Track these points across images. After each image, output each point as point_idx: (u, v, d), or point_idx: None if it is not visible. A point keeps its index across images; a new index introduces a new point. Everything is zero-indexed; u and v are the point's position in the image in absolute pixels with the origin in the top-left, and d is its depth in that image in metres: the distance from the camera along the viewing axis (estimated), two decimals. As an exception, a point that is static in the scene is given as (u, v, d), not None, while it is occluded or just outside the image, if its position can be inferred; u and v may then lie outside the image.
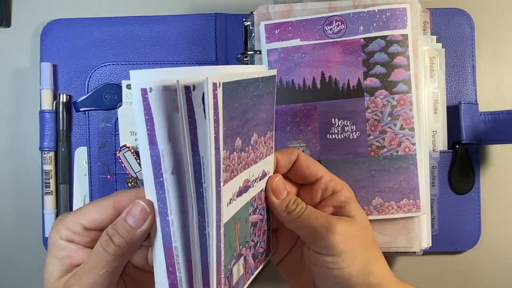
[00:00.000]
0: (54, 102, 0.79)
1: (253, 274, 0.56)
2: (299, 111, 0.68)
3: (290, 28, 0.67)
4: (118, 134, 0.78)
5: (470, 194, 0.78)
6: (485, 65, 0.80)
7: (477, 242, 0.79)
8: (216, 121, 0.41)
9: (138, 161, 0.77)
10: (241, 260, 0.52)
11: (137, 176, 0.77)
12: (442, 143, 0.75)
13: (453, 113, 0.76)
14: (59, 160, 0.79)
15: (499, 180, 0.80)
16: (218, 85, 0.40)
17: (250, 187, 0.51)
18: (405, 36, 0.64)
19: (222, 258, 0.46)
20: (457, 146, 0.77)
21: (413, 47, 0.65)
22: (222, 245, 0.46)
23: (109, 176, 0.78)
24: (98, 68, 0.79)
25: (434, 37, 0.76)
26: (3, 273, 0.83)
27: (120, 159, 0.77)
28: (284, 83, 0.66)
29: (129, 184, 0.77)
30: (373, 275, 0.54)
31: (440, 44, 0.77)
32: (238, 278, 0.51)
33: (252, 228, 0.54)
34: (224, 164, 0.43)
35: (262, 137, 0.52)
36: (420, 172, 0.66)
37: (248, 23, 0.73)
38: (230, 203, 0.46)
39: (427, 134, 0.72)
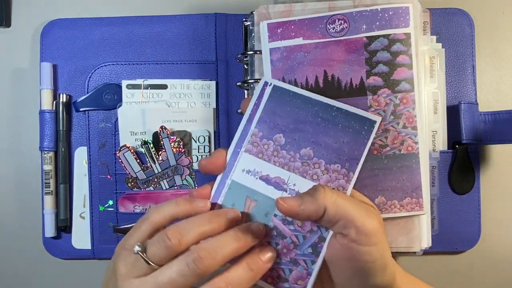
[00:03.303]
0: (54, 102, 0.79)
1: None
2: (302, 110, 0.68)
3: (292, 27, 0.67)
4: (118, 134, 0.78)
5: (470, 194, 0.79)
6: (485, 65, 0.81)
7: (477, 242, 0.79)
8: (257, 105, 0.60)
9: (138, 161, 0.77)
10: None
11: (137, 176, 0.77)
12: (442, 143, 0.75)
13: (453, 113, 0.76)
14: (59, 160, 0.79)
15: (499, 180, 0.81)
16: (268, 83, 0.60)
17: (284, 189, 0.58)
18: (408, 35, 0.64)
19: (221, 199, 0.59)
20: (457, 146, 0.77)
21: (415, 46, 0.66)
22: (224, 191, 0.59)
23: (109, 176, 0.78)
24: (98, 68, 0.79)
25: (434, 37, 0.77)
26: (3, 273, 0.83)
27: (120, 159, 0.77)
28: (286, 82, 0.66)
29: (129, 184, 0.77)
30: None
31: (440, 44, 0.77)
32: None
33: (275, 233, 0.58)
34: (251, 137, 0.59)
35: (323, 161, 0.58)
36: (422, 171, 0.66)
37: (248, 23, 0.73)
38: (247, 173, 0.59)
39: (427, 134, 0.72)
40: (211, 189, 0.60)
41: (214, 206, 0.59)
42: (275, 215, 0.57)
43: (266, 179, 0.58)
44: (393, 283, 0.57)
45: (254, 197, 0.58)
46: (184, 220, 0.55)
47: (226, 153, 0.60)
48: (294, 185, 0.58)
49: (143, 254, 0.52)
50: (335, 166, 0.57)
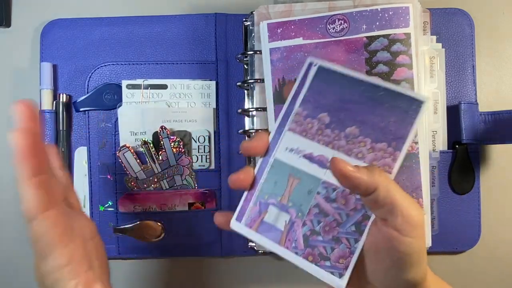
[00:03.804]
0: (54, 102, 0.79)
1: (295, 251, 0.57)
2: (302, 110, 0.68)
3: (292, 27, 0.67)
4: (118, 134, 0.78)
5: (470, 194, 0.78)
6: (485, 65, 0.81)
7: (477, 242, 0.79)
8: (301, 84, 0.58)
9: (138, 161, 0.77)
10: (285, 216, 0.57)
11: (137, 176, 0.77)
12: (442, 143, 0.75)
13: (453, 113, 0.76)
14: (59, 160, 0.79)
15: (499, 180, 0.81)
16: (314, 63, 0.58)
17: (327, 167, 0.56)
18: (408, 35, 0.64)
19: (264, 177, 0.59)
20: (457, 146, 0.77)
21: (415, 46, 0.66)
22: (267, 169, 0.59)
23: (109, 176, 0.78)
24: (98, 68, 0.79)
25: (434, 37, 0.77)
26: (3, 274, 0.83)
27: (120, 159, 0.76)
28: (286, 82, 0.66)
29: (129, 184, 0.77)
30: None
31: (440, 44, 0.77)
32: (271, 226, 0.58)
33: (317, 210, 0.56)
34: (295, 116, 0.58)
35: (369, 140, 0.56)
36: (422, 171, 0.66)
37: (248, 23, 0.73)
38: (291, 151, 0.58)
39: (427, 134, 0.72)
40: (253, 170, 0.60)
41: (254, 184, 0.59)
42: (318, 193, 0.56)
43: (309, 157, 0.57)
44: (424, 280, 0.56)
45: (297, 175, 0.58)
46: None
47: (268, 136, 0.60)
48: None
49: None
50: (381, 144, 0.56)
